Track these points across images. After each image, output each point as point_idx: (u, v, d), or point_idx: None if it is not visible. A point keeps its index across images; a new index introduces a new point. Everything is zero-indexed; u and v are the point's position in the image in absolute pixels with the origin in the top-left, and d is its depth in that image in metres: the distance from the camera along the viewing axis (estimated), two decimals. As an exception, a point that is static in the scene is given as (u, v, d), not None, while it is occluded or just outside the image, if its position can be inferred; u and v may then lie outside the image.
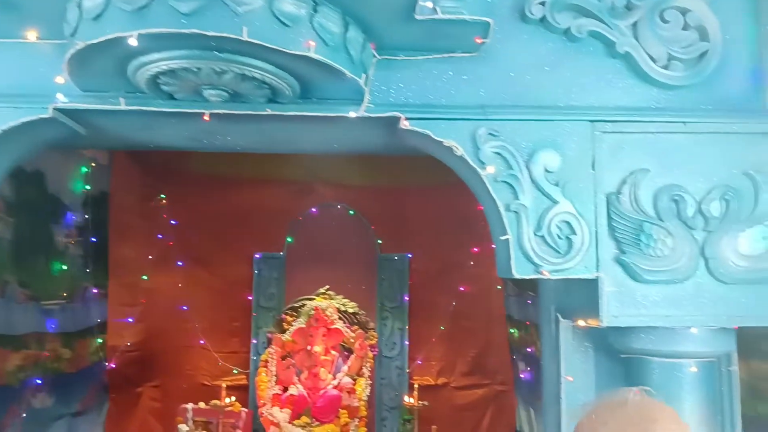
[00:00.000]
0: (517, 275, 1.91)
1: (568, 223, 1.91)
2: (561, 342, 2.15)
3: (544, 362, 2.41)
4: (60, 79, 1.77)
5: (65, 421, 3.59)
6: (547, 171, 1.92)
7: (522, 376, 4.15)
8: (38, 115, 1.79)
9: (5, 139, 1.80)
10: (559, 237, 1.91)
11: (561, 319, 2.17)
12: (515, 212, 1.92)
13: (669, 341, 1.96)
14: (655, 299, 1.92)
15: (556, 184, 1.92)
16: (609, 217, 1.94)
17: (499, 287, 4.67)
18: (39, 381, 3.24)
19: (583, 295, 1.99)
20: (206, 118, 1.84)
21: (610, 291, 1.91)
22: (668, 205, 1.95)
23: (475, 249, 4.85)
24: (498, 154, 1.92)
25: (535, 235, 1.91)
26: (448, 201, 4.77)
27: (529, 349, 4.01)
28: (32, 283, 3.23)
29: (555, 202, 1.92)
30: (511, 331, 4.43)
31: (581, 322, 2.05)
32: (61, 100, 1.82)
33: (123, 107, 1.80)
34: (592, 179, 1.95)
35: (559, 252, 1.91)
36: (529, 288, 3.98)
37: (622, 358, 2.09)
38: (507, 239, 1.90)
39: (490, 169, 1.91)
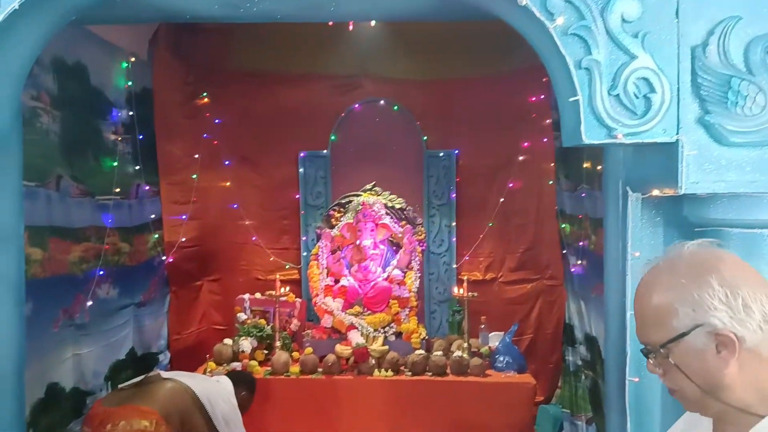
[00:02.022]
0: (587, 140, 1.75)
1: (646, 80, 1.71)
2: (629, 216, 2.02)
3: (607, 241, 2.30)
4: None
5: (130, 310, 3.77)
6: (624, 21, 1.70)
7: (573, 270, 4.09)
8: (68, -24, 1.68)
9: (35, 3, 1.70)
10: (636, 96, 1.72)
11: (630, 192, 2.02)
12: (587, 69, 1.72)
13: (752, 209, 1.80)
14: (740, 163, 1.74)
15: (635, 36, 1.70)
16: (693, 73, 1.73)
17: (551, 182, 4.52)
18: (101, 272, 3.37)
19: (657, 162, 1.83)
20: (244, -29, 1.70)
21: (691, 155, 1.73)
22: (761, 57, 1.71)
23: (525, 143, 4.67)
24: (569, 2, 1.70)
25: (609, 94, 1.72)
26: (496, 93, 4.56)
27: (581, 243, 3.91)
28: (84, 178, 3.27)
29: (633, 56, 1.71)
30: (563, 226, 4.32)
31: (655, 192, 1.90)
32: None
33: (155, -37, 1.66)
34: (676, 30, 1.72)
35: (635, 113, 1.73)
36: (583, 180, 3.81)
37: (695, 232, 1.95)
38: (577, 101, 1.73)
39: (560, 21, 1.70)
